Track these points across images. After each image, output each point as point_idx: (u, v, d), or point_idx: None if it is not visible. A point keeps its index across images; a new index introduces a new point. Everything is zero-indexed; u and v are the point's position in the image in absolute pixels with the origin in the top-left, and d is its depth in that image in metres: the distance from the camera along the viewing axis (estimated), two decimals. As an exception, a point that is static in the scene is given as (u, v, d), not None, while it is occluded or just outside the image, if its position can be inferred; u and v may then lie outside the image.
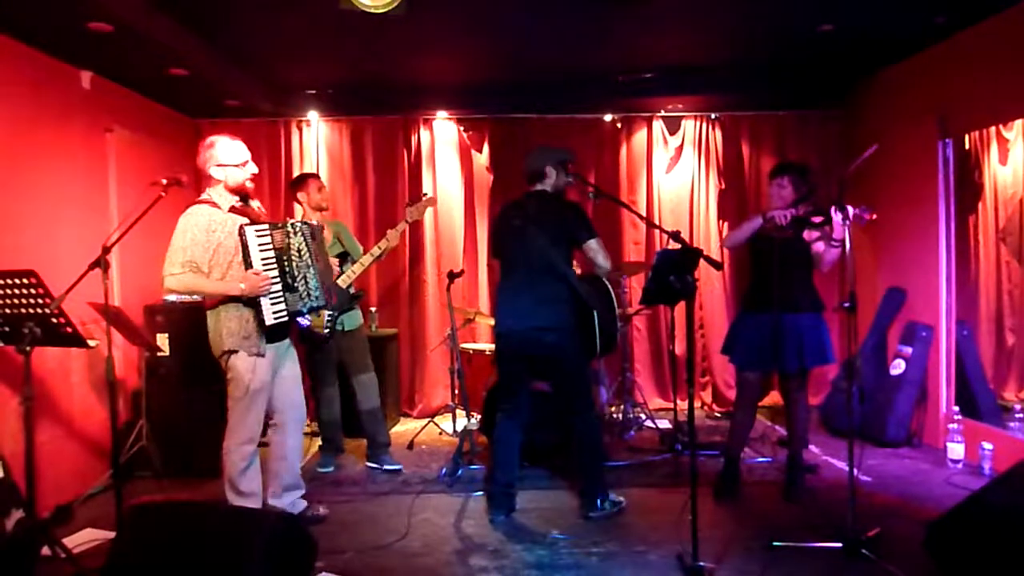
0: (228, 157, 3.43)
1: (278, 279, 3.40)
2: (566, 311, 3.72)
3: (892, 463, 4.72)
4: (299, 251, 3.48)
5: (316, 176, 4.94)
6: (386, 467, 4.79)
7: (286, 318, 3.42)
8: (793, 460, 4.12)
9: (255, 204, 3.65)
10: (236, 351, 3.39)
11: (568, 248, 3.79)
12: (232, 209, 3.47)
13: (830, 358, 3.99)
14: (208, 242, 3.35)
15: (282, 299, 3.41)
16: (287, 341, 3.66)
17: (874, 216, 3.69)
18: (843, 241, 3.52)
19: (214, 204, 3.44)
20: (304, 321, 4.33)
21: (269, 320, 3.35)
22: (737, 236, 4.08)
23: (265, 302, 3.34)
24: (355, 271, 4.69)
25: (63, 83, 4.37)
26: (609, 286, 3.98)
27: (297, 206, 4.83)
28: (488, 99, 6.10)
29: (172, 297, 4.90)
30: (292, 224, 3.51)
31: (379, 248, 4.67)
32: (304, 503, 3.83)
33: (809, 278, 4.03)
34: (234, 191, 3.49)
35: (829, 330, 4.04)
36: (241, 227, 3.33)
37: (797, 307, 3.92)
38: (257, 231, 3.37)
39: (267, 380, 3.48)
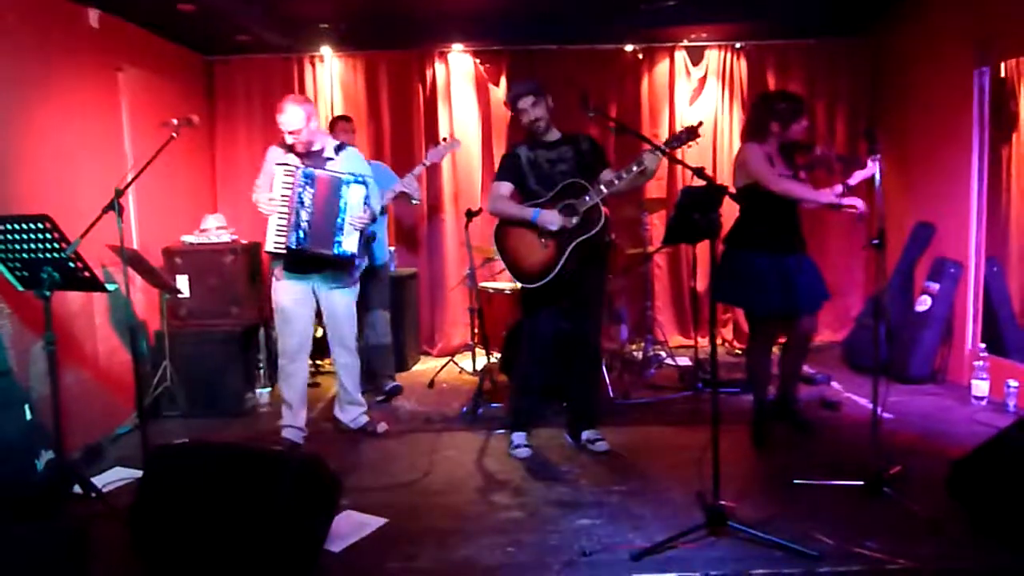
0: (282, 122, 3.80)
1: (285, 214, 3.74)
2: None
3: (915, 400, 4.68)
4: (301, 195, 3.74)
5: (344, 119, 5.22)
6: (386, 388, 5.03)
7: (282, 250, 3.79)
8: (791, 393, 4.17)
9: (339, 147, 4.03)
10: (273, 271, 4.02)
11: None
12: (291, 149, 3.89)
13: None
14: (267, 171, 3.90)
15: (285, 233, 3.76)
16: (324, 284, 3.99)
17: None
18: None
19: (283, 143, 3.92)
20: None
21: (267, 247, 3.82)
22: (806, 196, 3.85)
23: (271, 232, 3.77)
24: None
25: (70, 22, 4.26)
26: None
27: None
28: (505, 30, 5.90)
29: (190, 238, 4.91)
30: (301, 169, 3.76)
31: (393, 191, 4.83)
32: (366, 418, 4.31)
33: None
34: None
35: None
36: (274, 164, 3.85)
37: (805, 247, 3.94)
38: (285, 171, 3.77)
39: (287, 304, 3.97)
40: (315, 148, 3.91)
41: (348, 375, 4.19)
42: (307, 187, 3.73)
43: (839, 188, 3.83)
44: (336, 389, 4.33)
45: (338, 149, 3.97)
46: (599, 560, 2.78)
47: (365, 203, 3.84)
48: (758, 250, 3.82)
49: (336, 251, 3.78)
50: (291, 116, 3.75)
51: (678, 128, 6.16)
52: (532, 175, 3.79)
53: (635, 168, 3.51)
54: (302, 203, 3.72)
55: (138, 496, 2.73)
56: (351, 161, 3.97)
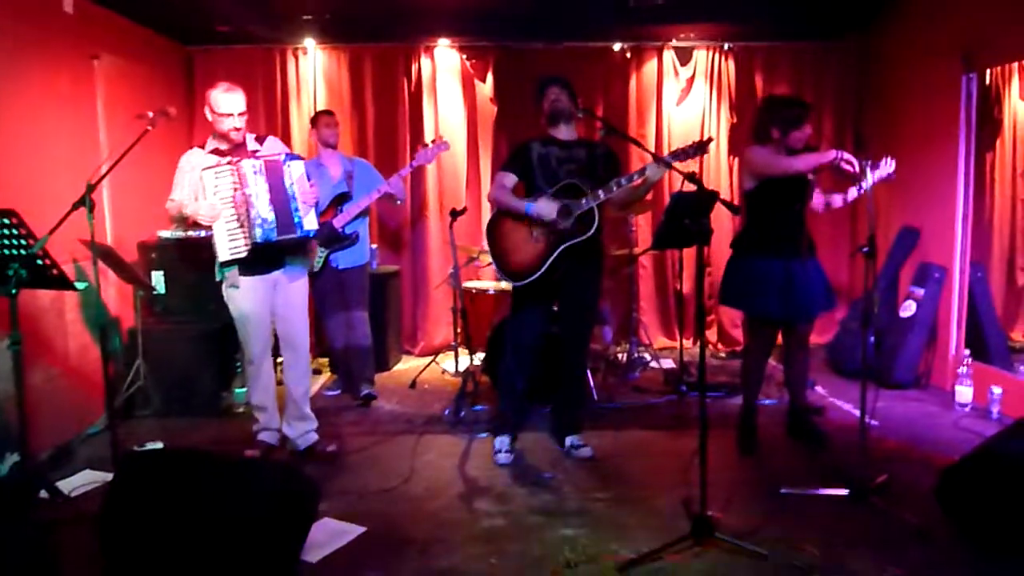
0: (216, 105, 3.56)
1: (234, 216, 3.53)
2: None
3: (899, 406, 4.66)
4: (254, 187, 3.52)
5: (327, 113, 4.97)
6: (362, 392, 4.89)
7: (244, 253, 3.56)
8: (802, 405, 4.07)
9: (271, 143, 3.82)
10: (222, 281, 3.72)
11: None
12: (214, 151, 3.63)
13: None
14: (188, 182, 3.60)
15: (241, 234, 3.54)
16: (286, 275, 3.76)
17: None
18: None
19: (201, 146, 3.68)
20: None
21: (224, 256, 3.57)
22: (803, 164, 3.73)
23: (221, 240, 3.54)
24: (348, 212, 4.67)
25: (44, 6, 4.12)
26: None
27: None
28: (492, 25, 5.81)
29: (166, 233, 4.79)
30: (244, 162, 3.54)
31: (378, 191, 4.69)
32: (315, 436, 3.97)
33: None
34: (221, 137, 3.64)
35: None
36: (201, 172, 3.54)
37: (811, 250, 3.85)
38: (216, 173, 3.51)
39: (250, 309, 3.70)
40: (242, 141, 3.71)
41: (298, 384, 3.87)
42: (256, 178, 3.51)
43: (853, 192, 3.81)
44: (285, 400, 3.92)
45: (259, 140, 3.80)
46: (583, 572, 2.72)
47: (308, 178, 3.70)
48: (764, 253, 3.77)
49: (301, 232, 3.62)
50: (238, 97, 3.56)
51: (665, 129, 6.24)
52: (539, 170, 3.70)
53: (636, 178, 3.47)
54: (256, 196, 3.50)
55: (107, 503, 2.63)
56: (275, 147, 3.82)
